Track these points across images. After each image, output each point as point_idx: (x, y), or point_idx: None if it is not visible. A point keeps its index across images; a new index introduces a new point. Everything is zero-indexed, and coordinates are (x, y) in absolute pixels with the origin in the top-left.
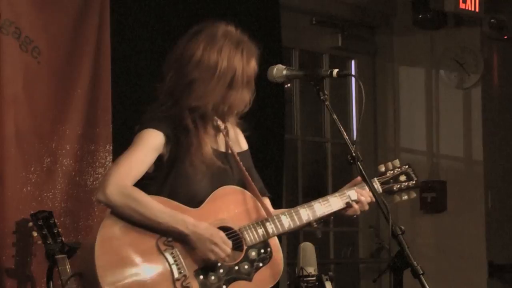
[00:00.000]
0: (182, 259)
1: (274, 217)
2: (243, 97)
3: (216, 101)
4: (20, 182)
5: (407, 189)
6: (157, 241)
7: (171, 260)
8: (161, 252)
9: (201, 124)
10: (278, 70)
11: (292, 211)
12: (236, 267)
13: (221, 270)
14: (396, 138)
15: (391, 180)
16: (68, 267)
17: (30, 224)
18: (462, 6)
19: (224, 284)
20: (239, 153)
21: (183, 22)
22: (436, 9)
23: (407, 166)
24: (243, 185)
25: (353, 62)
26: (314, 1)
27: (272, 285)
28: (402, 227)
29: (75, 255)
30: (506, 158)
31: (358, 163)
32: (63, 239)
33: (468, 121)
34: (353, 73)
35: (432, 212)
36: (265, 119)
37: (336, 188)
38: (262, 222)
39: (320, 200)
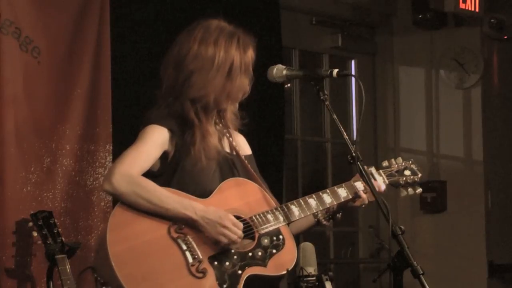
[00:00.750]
0: (195, 246)
1: (284, 206)
2: (242, 85)
3: (217, 91)
4: (20, 182)
5: (414, 183)
6: (169, 228)
7: (184, 247)
8: (174, 240)
9: (203, 116)
10: (278, 70)
11: (301, 200)
12: (250, 254)
13: (235, 257)
14: (396, 138)
15: (396, 173)
16: (68, 267)
17: (30, 224)
18: (462, 6)
19: (239, 269)
20: (244, 157)
21: (183, 22)
22: (436, 9)
23: (411, 162)
24: None
25: (353, 62)
26: (314, 1)
27: (287, 271)
28: (402, 227)
29: (75, 255)
30: (506, 158)
31: (358, 163)
32: (63, 239)
33: (468, 121)
34: (353, 73)
35: (432, 212)
36: (265, 119)
37: None
38: (272, 211)
39: (328, 190)
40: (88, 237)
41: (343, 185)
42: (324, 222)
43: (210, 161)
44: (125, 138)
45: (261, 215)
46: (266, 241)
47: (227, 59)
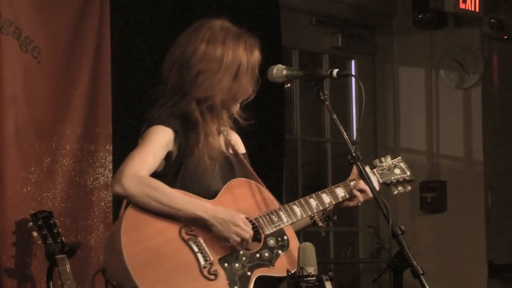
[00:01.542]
0: (206, 248)
1: (287, 206)
2: (248, 87)
3: (223, 92)
4: (20, 182)
5: (403, 181)
6: (180, 230)
7: (195, 249)
8: (185, 241)
9: (208, 116)
10: (278, 70)
11: (302, 200)
12: (258, 255)
13: (244, 258)
14: (396, 138)
15: (387, 172)
16: (68, 267)
17: (30, 224)
18: (462, 6)
19: (249, 271)
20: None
21: (183, 22)
22: (436, 9)
23: (399, 160)
24: None
25: (353, 62)
26: (314, 1)
27: (294, 271)
28: (402, 227)
29: (75, 255)
30: (506, 158)
31: (358, 163)
32: (63, 239)
33: (468, 121)
34: (353, 73)
35: (432, 212)
36: (265, 119)
37: None
38: (275, 212)
39: (326, 190)
40: (88, 237)
41: (341, 185)
42: (320, 224)
43: (212, 161)
44: (125, 138)
45: (266, 216)
46: (272, 242)
47: (235, 60)
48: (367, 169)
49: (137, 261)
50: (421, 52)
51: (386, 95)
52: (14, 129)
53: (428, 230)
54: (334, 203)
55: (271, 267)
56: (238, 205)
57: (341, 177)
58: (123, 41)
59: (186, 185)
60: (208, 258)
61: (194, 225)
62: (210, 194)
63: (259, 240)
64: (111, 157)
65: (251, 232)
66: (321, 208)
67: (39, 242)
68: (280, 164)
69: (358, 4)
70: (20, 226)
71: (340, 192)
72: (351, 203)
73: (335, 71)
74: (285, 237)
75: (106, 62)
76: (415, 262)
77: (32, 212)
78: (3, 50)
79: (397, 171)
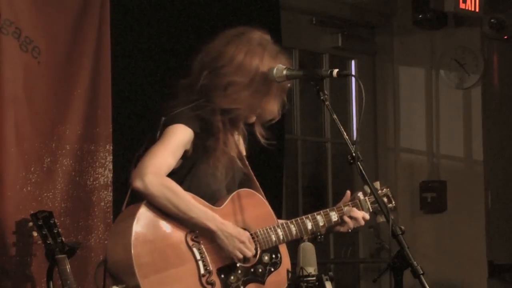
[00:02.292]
0: (207, 257)
1: (284, 224)
2: (274, 108)
3: (249, 108)
4: (20, 182)
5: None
6: (186, 235)
7: (198, 256)
8: (189, 247)
9: (229, 127)
10: (278, 70)
11: (299, 220)
12: (252, 269)
13: (239, 271)
14: (396, 138)
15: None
16: (68, 267)
17: (30, 224)
18: (462, 6)
19: (242, 285)
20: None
21: (183, 22)
22: (436, 9)
23: (387, 189)
24: (248, 187)
25: (353, 62)
26: (314, 1)
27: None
28: (402, 227)
29: (75, 255)
30: (506, 158)
31: (358, 163)
32: (63, 239)
33: (468, 121)
34: (353, 73)
35: (432, 212)
36: None
37: (336, 188)
38: (274, 228)
39: (322, 212)
40: (88, 237)
41: (335, 209)
42: (304, 238)
43: (224, 169)
44: (125, 138)
45: (265, 230)
46: (266, 258)
47: (267, 79)
48: (361, 195)
49: (143, 260)
50: (421, 52)
51: (386, 95)
52: (14, 129)
53: (428, 230)
54: (327, 226)
55: (262, 283)
56: (239, 216)
57: (341, 177)
58: (123, 41)
59: (194, 185)
60: (208, 268)
61: (200, 232)
62: (214, 196)
63: (255, 255)
64: (111, 157)
65: (254, 252)
66: (315, 230)
67: (39, 242)
68: (280, 164)
69: (358, 4)
70: (20, 226)
71: (334, 216)
72: (342, 228)
73: (335, 71)
74: (279, 255)
75: (106, 62)
76: (415, 262)
77: (32, 212)
78: (3, 50)
79: (384, 199)
